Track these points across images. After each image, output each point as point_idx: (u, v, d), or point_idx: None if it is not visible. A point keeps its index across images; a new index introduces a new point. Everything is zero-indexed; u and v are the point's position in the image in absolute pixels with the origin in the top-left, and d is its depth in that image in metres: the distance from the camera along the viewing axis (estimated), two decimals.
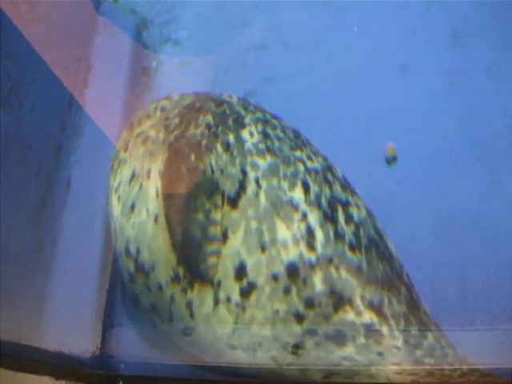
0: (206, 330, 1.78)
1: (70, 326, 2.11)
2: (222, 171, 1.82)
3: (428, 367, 1.75)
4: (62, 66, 2.46)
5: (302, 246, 1.71)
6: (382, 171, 2.55)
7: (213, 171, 1.83)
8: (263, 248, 1.71)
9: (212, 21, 3.12)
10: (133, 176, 1.99)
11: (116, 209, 2.03)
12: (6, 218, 1.91)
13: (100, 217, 2.35)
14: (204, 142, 1.88)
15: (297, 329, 1.69)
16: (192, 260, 1.76)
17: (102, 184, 2.39)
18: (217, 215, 1.77)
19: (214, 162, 1.84)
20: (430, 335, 1.79)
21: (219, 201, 1.78)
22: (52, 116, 2.40)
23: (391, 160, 2.58)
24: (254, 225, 1.74)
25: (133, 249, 1.91)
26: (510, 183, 2.46)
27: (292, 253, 1.71)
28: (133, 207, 1.93)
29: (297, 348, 1.72)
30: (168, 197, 1.83)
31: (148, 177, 1.92)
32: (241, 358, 1.79)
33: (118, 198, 2.02)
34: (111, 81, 2.70)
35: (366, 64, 2.85)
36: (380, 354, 1.72)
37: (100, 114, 2.55)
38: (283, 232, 1.72)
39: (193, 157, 1.85)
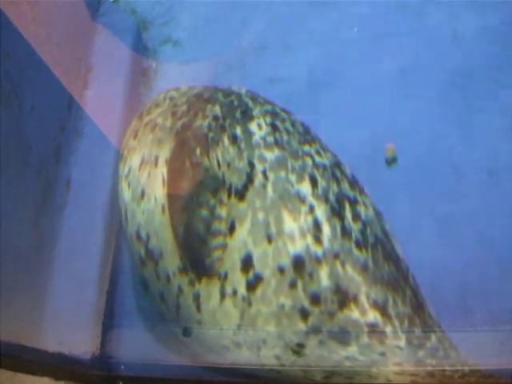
0: (212, 326, 1.77)
1: (69, 327, 2.11)
2: (228, 165, 1.82)
3: (429, 368, 1.75)
4: (62, 66, 2.46)
5: (309, 239, 1.70)
6: (382, 172, 2.55)
7: (219, 166, 1.83)
8: (270, 239, 1.70)
9: (212, 21, 3.12)
10: (142, 163, 2.00)
11: (127, 195, 2.04)
12: (6, 218, 1.91)
13: (100, 217, 2.36)
14: (211, 135, 1.88)
15: (301, 326, 1.68)
16: (196, 256, 1.76)
17: (102, 184, 2.40)
18: (222, 211, 1.77)
19: (220, 156, 1.84)
20: (433, 337, 1.77)
21: (225, 197, 1.78)
22: (52, 116, 2.40)
23: (391, 161, 2.58)
24: (260, 216, 1.73)
25: (143, 234, 1.92)
26: (509, 183, 2.46)
27: (299, 245, 1.69)
28: (142, 194, 1.94)
29: (300, 347, 1.71)
30: (171, 193, 1.84)
31: (156, 164, 1.93)
32: (245, 356, 1.78)
33: (129, 184, 2.03)
34: (111, 81, 2.71)
35: (365, 64, 2.85)
36: (382, 354, 1.72)
37: (100, 115, 2.55)
38: (290, 224, 1.71)
39: (198, 151, 1.85)
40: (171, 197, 1.83)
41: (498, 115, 2.64)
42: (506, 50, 2.80)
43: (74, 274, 2.23)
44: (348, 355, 1.71)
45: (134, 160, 2.06)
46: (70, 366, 2.05)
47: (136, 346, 2.15)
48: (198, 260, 1.76)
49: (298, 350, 1.72)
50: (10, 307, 1.88)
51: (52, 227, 2.27)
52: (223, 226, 1.75)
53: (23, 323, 1.99)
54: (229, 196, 1.78)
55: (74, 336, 2.08)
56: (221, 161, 1.84)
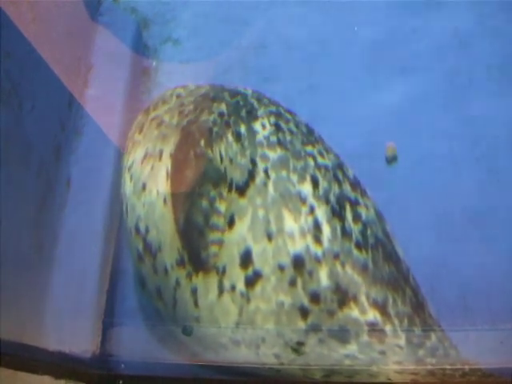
0: (210, 323, 1.77)
1: (70, 326, 2.11)
2: (231, 160, 1.83)
3: (429, 367, 1.75)
4: (63, 65, 2.46)
5: (309, 239, 1.71)
6: (382, 171, 2.55)
7: (222, 160, 1.84)
8: (270, 237, 1.71)
9: (212, 20, 3.13)
10: (145, 156, 2.02)
11: (128, 187, 2.05)
12: (6, 218, 1.91)
13: (100, 216, 2.36)
14: (215, 129, 1.90)
15: (301, 324, 1.69)
16: (194, 246, 1.77)
17: (102, 183, 2.40)
18: (221, 205, 1.78)
19: (223, 151, 1.85)
20: (433, 336, 1.78)
21: (225, 191, 1.79)
22: (52, 115, 2.40)
23: (391, 160, 2.58)
24: (261, 213, 1.74)
25: (142, 227, 1.92)
26: (509, 183, 2.47)
27: (299, 245, 1.71)
28: (144, 186, 1.95)
29: (300, 345, 1.71)
30: (175, 181, 1.85)
31: (160, 158, 1.95)
32: (244, 354, 1.79)
33: (131, 177, 2.05)
34: (111, 80, 2.71)
35: (366, 64, 2.85)
36: (382, 352, 1.72)
37: (100, 114, 2.55)
38: (290, 223, 1.72)
39: (202, 142, 1.86)
40: (174, 186, 1.84)
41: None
42: (506, 48, 2.80)
43: (74, 273, 2.23)
44: (348, 353, 1.72)
45: (138, 153, 2.07)
46: (70, 365, 2.05)
47: (136, 344, 2.15)
48: (194, 251, 1.77)
49: (298, 348, 1.73)
50: (10, 306, 1.88)
51: (52, 227, 2.27)
52: (221, 221, 1.76)
53: (23, 322, 1.99)
54: (229, 191, 1.79)
55: (74, 335, 2.08)
56: (224, 155, 1.84)
